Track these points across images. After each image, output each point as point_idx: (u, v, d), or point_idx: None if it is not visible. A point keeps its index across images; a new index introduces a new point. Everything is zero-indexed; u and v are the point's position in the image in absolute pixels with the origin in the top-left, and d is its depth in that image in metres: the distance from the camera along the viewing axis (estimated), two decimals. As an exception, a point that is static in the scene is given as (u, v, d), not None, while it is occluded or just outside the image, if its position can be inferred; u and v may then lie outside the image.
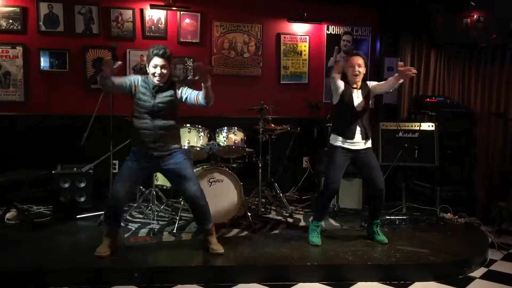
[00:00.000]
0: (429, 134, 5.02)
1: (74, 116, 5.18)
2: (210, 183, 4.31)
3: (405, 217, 4.66)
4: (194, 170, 4.42)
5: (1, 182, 4.24)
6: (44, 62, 5.32)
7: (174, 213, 4.73)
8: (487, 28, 5.21)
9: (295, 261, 3.60)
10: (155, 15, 5.53)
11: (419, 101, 5.75)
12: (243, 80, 5.89)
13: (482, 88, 5.54)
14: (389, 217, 4.65)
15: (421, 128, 5.03)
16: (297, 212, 5.09)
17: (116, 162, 5.18)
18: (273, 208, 5.06)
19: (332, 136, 4.01)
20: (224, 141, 4.58)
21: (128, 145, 4.58)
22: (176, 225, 4.25)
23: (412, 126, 5.05)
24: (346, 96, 3.93)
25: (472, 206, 5.20)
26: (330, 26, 6.11)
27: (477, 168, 5.53)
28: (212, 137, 4.65)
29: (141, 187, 4.76)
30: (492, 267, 3.91)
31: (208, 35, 5.74)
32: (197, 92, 3.59)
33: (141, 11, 5.50)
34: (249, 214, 4.46)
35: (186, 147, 4.24)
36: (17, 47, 5.24)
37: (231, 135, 4.62)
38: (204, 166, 4.47)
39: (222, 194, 4.33)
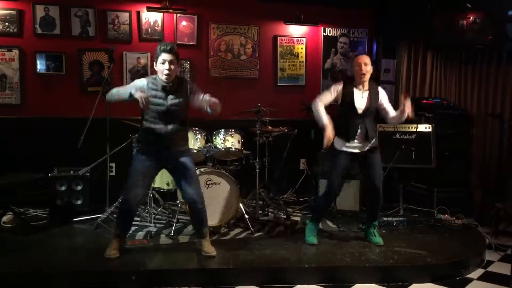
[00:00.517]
0: (426, 136, 5.03)
1: (71, 119, 5.17)
2: (207, 186, 4.30)
3: (402, 219, 4.67)
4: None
5: (-2, 185, 4.22)
6: (40, 65, 5.31)
7: (171, 215, 4.72)
8: (483, 29, 5.22)
9: (292, 263, 3.60)
10: (151, 18, 5.53)
11: (415, 102, 5.72)
12: (240, 82, 5.89)
13: (479, 90, 5.55)
14: (386, 219, 4.65)
15: (418, 130, 5.04)
16: (294, 214, 5.09)
17: (113, 165, 5.17)
18: (271, 210, 5.06)
19: (335, 140, 3.96)
20: (221, 143, 4.58)
21: (124, 148, 4.61)
22: (173, 228, 4.23)
23: (409, 127, 5.06)
24: (348, 96, 3.94)
25: (469, 207, 5.20)
26: (326, 28, 6.11)
27: (474, 169, 5.54)
28: (209, 139, 4.65)
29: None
30: (490, 268, 3.92)
31: (205, 38, 5.74)
32: (203, 95, 3.56)
33: (138, 13, 5.49)
34: (246, 216, 4.45)
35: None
36: (13, 50, 5.22)
37: (228, 138, 4.61)
38: (201, 169, 4.46)
39: (219, 197, 4.33)
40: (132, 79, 5.24)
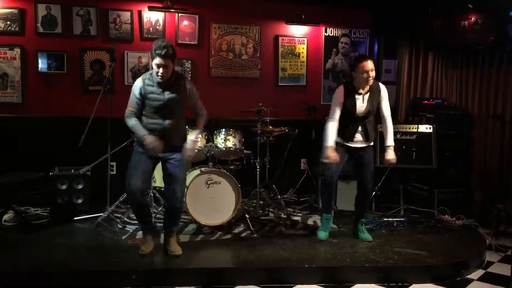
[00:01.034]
0: (427, 136, 5.03)
1: (72, 118, 5.17)
2: (208, 185, 4.31)
3: (403, 219, 4.66)
4: (192, 172, 4.43)
5: (-1, 183, 4.23)
6: (42, 64, 5.32)
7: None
8: (485, 30, 5.21)
9: (293, 263, 3.60)
10: (153, 17, 5.53)
11: (416, 103, 5.76)
12: (241, 82, 5.89)
13: (480, 90, 5.54)
14: (387, 219, 4.65)
15: (419, 130, 5.05)
16: (295, 214, 5.09)
17: (114, 163, 5.17)
18: (271, 210, 5.06)
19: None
20: (222, 143, 4.58)
21: (125, 147, 4.60)
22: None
23: (410, 128, 5.06)
24: (349, 104, 3.92)
25: (470, 208, 5.20)
26: (328, 28, 6.11)
27: (474, 170, 5.53)
28: (210, 139, 4.65)
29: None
30: (490, 269, 3.92)
31: (206, 37, 5.74)
32: (198, 97, 3.71)
33: (139, 13, 5.50)
34: (247, 216, 4.45)
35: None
36: (15, 49, 5.23)
37: (229, 137, 4.61)
38: (202, 168, 4.46)
39: (220, 196, 4.32)
40: (134, 78, 5.29)
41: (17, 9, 5.19)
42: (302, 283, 3.48)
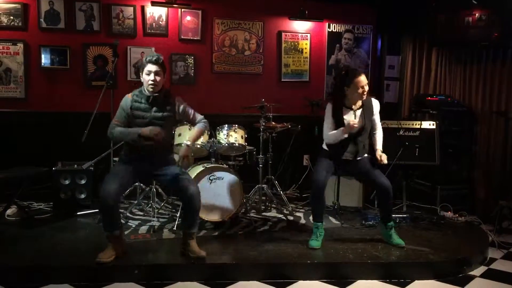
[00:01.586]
0: (430, 133, 5.02)
1: (75, 113, 5.18)
2: (210, 181, 4.31)
3: (405, 216, 4.66)
4: (195, 168, 4.44)
5: (2, 178, 4.24)
6: (44, 59, 5.32)
7: (174, 210, 4.73)
8: (489, 26, 5.19)
9: (295, 259, 3.60)
10: (156, 12, 5.52)
11: (420, 99, 5.74)
12: (244, 77, 5.88)
13: (483, 87, 5.52)
14: (389, 216, 4.64)
15: (422, 127, 5.03)
16: (297, 210, 5.09)
17: (117, 159, 5.16)
18: (274, 206, 5.06)
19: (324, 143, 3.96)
20: (225, 138, 4.58)
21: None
22: (176, 222, 4.24)
23: (413, 124, 5.04)
24: (338, 122, 3.80)
25: (473, 204, 5.20)
26: (331, 24, 6.09)
27: (477, 166, 5.52)
28: (212, 134, 4.65)
29: (141, 184, 4.75)
30: (492, 266, 3.91)
31: (209, 33, 5.73)
32: (193, 112, 3.63)
33: (142, 8, 5.49)
34: (249, 211, 4.45)
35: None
36: (18, 44, 5.23)
37: (232, 133, 4.61)
38: (205, 164, 4.46)
39: (222, 192, 4.33)
40: (136, 74, 5.29)
41: (20, 4, 5.19)
42: (304, 279, 3.48)
